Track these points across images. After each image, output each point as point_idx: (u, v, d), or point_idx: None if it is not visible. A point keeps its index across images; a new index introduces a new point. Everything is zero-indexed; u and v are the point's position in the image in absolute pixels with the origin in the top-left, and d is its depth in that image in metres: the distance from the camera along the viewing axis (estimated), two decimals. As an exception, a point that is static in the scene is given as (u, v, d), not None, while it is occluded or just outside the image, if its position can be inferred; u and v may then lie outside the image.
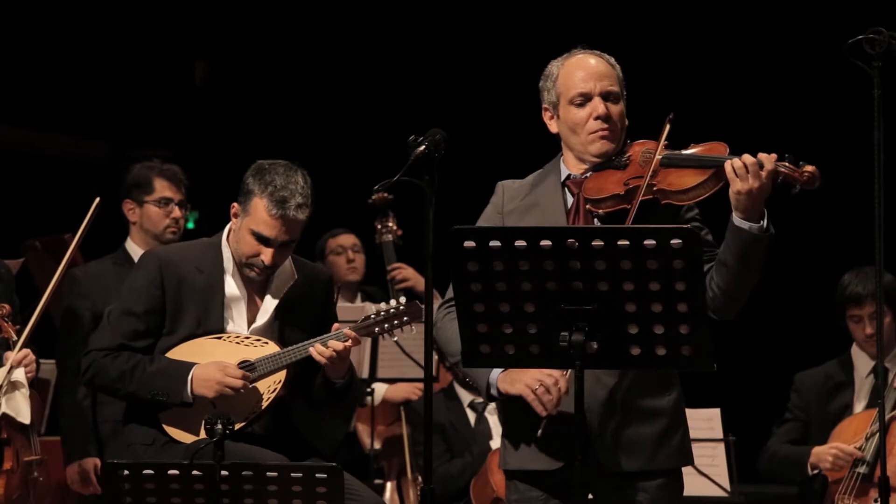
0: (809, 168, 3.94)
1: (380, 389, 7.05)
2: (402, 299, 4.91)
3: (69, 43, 9.20)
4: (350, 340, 4.71)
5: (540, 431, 4.03)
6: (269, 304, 4.81)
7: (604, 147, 4.16)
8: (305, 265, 4.92)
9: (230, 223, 4.85)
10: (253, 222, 4.71)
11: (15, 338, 5.07)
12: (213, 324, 4.76)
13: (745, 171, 3.91)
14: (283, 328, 4.81)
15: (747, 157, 3.92)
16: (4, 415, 5.03)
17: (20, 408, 5.04)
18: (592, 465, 4.01)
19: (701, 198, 4.03)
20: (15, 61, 8.97)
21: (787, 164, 3.94)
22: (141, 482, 4.10)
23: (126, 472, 4.11)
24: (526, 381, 4.01)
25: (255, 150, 4.88)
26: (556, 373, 4.00)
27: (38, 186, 8.97)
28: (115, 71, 9.42)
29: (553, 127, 4.25)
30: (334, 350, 4.68)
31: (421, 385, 7.00)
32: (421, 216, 4.01)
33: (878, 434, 5.21)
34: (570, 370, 3.95)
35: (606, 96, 4.16)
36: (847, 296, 6.16)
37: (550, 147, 4.30)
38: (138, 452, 4.70)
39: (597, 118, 4.14)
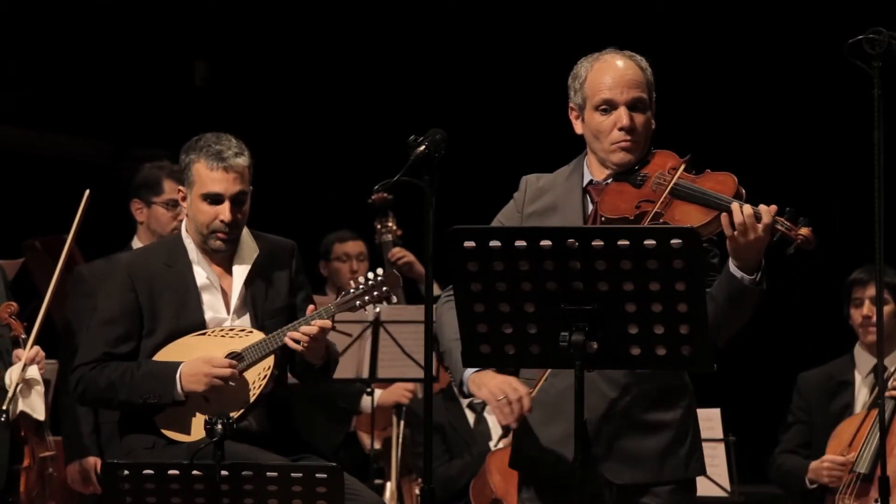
0: (804, 232, 3.89)
1: (367, 401, 7.05)
2: (380, 270, 4.92)
3: (69, 43, 9.20)
4: (322, 324, 4.70)
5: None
6: (238, 273, 4.83)
7: (625, 158, 4.12)
8: (266, 237, 4.94)
9: (184, 213, 4.90)
10: (200, 187, 4.77)
11: (24, 335, 5.08)
12: (192, 314, 4.79)
13: (743, 225, 3.86)
14: (256, 300, 4.83)
15: (747, 209, 3.88)
16: (22, 412, 5.04)
17: (36, 405, 5.06)
18: (597, 478, 4.03)
19: (704, 237, 3.98)
20: (15, 61, 8.96)
21: (784, 220, 3.90)
22: (141, 482, 4.10)
23: (126, 472, 4.11)
24: (491, 388, 4.01)
25: (254, 150, 4.89)
26: (522, 388, 3.99)
27: (38, 186, 8.96)
28: (115, 71, 9.41)
29: (578, 128, 4.21)
30: (307, 335, 4.69)
31: (411, 387, 7.01)
32: (421, 216, 4.01)
33: (877, 434, 5.22)
34: (537, 385, 4.01)
35: (633, 106, 4.11)
36: (851, 280, 6.23)
37: (551, 147, 4.30)
38: (139, 457, 4.70)
39: (620, 129, 4.10)
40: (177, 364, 4.70)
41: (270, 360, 4.74)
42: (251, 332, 4.77)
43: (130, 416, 4.80)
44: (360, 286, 4.89)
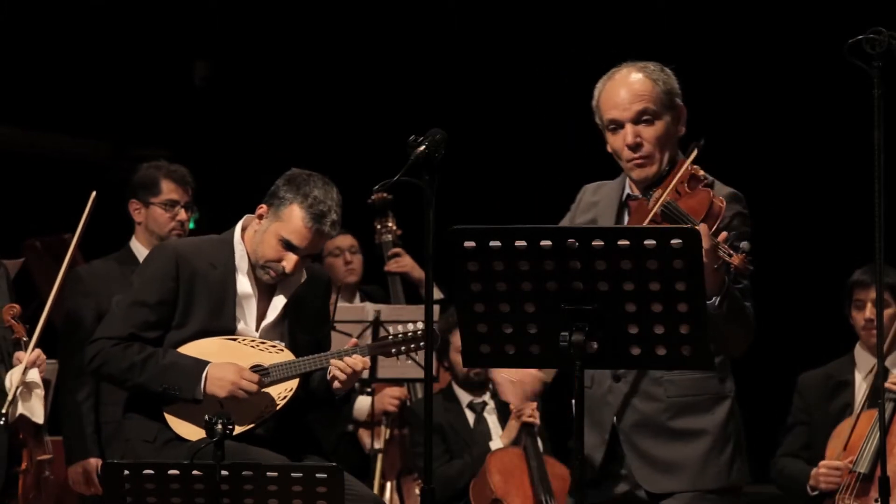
0: (734, 260, 3.84)
1: (360, 404, 7.05)
2: (420, 324, 4.92)
3: (69, 43, 9.20)
4: (364, 363, 4.75)
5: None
6: (278, 303, 4.84)
7: (641, 174, 4.15)
8: (308, 266, 4.94)
9: (242, 221, 4.87)
10: (284, 229, 4.72)
11: (26, 338, 5.07)
12: (224, 321, 4.77)
13: None
14: (292, 327, 4.84)
15: None
16: (21, 416, 5.04)
17: (35, 408, 5.05)
18: (631, 488, 4.07)
19: None
20: (15, 61, 8.96)
21: (727, 246, 3.86)
22: (141, 482, 4.10)
23: (126, 472, 4.12)
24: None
25: (255, 151, 4.89)
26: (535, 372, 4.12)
27: (38, 186, 8.96)
28: (115, 71, 9.41)
29: (608, 147, 4.25)
30: (353, 368, 4.71)
31: (397, 393, 7.01)
32: (421, 216, 4.01)
33: (877, 434, 5.22)
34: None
35: (638, 119, 4.12)
36: (854, 281, 6.21)
37: (551, 147, 4.30)
38: (137, 449, 4.71)
39: (628, 146, 4.13)
40: (204, 363, 4.68)
41: (294, 383, 4.75)
42: (282, 349, 4.78)
43: (138, 399, 4.78)
44: (399, 335, 4.93)
